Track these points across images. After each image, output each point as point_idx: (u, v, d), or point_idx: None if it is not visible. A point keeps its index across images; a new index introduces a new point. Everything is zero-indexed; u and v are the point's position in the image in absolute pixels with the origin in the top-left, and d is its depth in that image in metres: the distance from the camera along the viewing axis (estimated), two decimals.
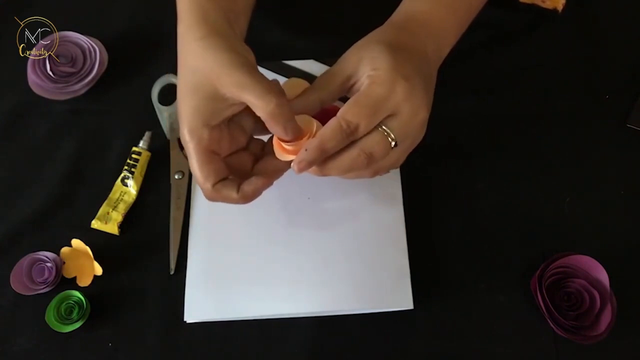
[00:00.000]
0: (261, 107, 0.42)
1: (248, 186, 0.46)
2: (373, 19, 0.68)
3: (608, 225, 0.56)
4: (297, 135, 0.45)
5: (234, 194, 0.45)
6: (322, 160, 0.45)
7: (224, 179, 0.46)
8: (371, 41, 0.47)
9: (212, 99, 0.44)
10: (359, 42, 0.48)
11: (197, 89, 0.44)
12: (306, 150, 0.43)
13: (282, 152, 0.47)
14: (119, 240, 0.57)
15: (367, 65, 0.45)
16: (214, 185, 0.45)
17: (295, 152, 0.46)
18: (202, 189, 0.46)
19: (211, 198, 0.46)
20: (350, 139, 0.44)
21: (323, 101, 0.47)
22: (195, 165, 0.45)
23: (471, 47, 0.63)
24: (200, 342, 0.53)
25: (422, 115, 0.45)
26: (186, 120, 0.45)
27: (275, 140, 0.47)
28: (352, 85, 0.47)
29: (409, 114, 0.45)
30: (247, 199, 0.46)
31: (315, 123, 0.47)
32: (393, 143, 0.45)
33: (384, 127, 0.44)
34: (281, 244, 0.55)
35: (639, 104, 0.61)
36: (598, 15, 0.66)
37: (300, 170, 0.44)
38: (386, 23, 0.50)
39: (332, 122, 0.44)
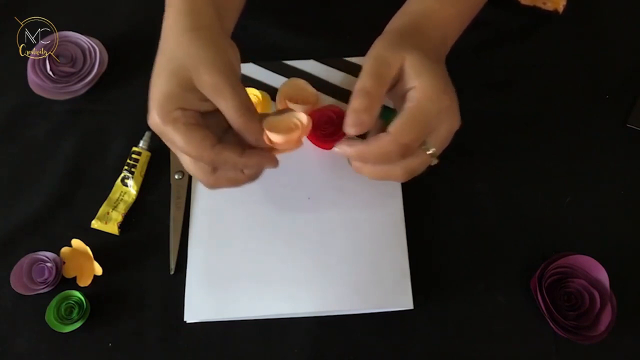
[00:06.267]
0: (231, 119, 0.42)
1: (255, 152, 0.44)
2: (373, 19, 0.68)
3: (608, 225, 0.56)
4: (265, 146, 0.45)
5: (237, 157, 0.43)
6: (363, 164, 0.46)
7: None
8: (406, 43, 0.46)
9: (187, 89, 0.43)
10: (392, 40, 0.47)
11: (174, 75, 0.43)
12: (349, 146, 0.44)
13: (269, 143, 0.46)
14: (119, 240, 0.57)
15: (412, 69, 0.44)
16: (214, 146, 0.42)
17: (284, 146, 0.46)
18: (200, 157, 0.43)
19: (212, 162, 0.43)
20: (396, 160, 0.44)
21: (380, 107, 0.45)
22: (182, 139, 0.42)
23: (471, 47, 0.63)
24: (200, 342, 0.53)
25: (456, 127, 0.46)
26: (158, 103, 0.43)
27: (264, 135, 0.46)
28: (393, 86, 0.46)
29: (448, 129, 0.45)
30: (252, 167, 0.45)
31: (305, 118, 0.46)
32: (435, 161, 0.45)
33: (426, 144, 0.44)
34: (281, 244, 0.55)
35: (639, 104, 0.61)
36: (598, 15, 0.66)
37: (334, 153, 0.45)
38: (405, 24, 0.49)
39: (384, 142, 0.43)
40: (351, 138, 0.45)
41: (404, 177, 0.45)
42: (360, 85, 0.44)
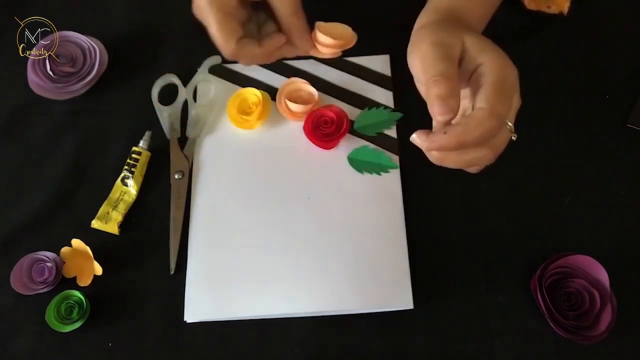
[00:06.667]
0: (284, 15, 0.48)
1: (270, 41, 0.49)
2: (373, 19, 0.68)
3: (608, 225, 0.56)
4: (307, 47, 0.51)
5: (257, 49, 0.49)
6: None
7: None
8: (457, 27, 0.46)
9: None
10: (440, 27, 0.46)
11: None
12: (445, 133, 0.41)
13: (317, 48, 0.52)
14: (119, 240, 0.57)
15: (473, 47, 0.44)
16: (238, 40, 0.48)
17: (326, 50, 0.51)
18: (223, 48, 0.48)
19: (234, 55, 0.49)
20: (495, 134, 0.42)
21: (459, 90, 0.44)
22: (215, 25, 0.47)
23: None
24: (200, 342, 0.53)
25: (520, 102, 0.45)
26: None
27: (313, 35, 0.51)
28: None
29: (517, 103, 0.44)
30: (267, 54, 0.50)
31: (350, 30, 0.52)
32: (514, 135, 0.44)
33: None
34: (281, 243, 0.55)
35: (639, 104, 0.61)
36: (598, 16, 0.66)
37: (429, 149, 0.43)
38: (439, 18, 0.49)
39: (482, 117, 0.41)
40: (421, 132, 0.43)
41: (492, 157, 0.44)
42: (435, 71, 0.43)
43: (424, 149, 0.43)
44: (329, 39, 0.51)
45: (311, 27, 0.51)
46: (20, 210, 0.59)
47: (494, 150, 0.43)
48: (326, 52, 0.52)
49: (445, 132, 0.41)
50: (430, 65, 0.43)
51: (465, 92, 0.45)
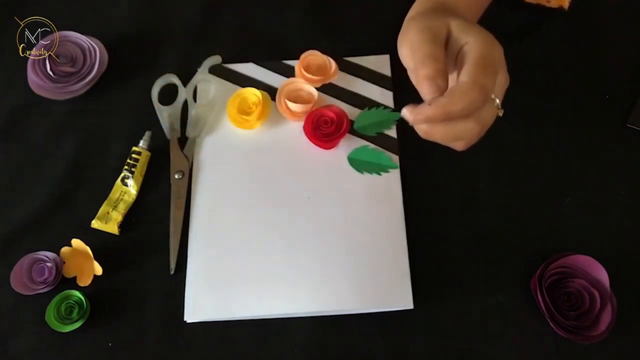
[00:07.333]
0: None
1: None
2: (373, 20, 0.68)
3: (608, 225, 0.56)
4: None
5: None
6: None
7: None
8: (444, 13, 0.47)
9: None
10: (428, 14, 0.48)
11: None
12: (429, 104, 0.42)
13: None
14: (119, 240, 0.57)
15: (459, 30, 0.45)
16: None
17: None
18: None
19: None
20: (480, 106, 0.42)
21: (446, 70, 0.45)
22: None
23: None
24: (200, 342, 0.53)
25: (508, 81, 0.45)
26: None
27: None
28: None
29: (504, 80, 0.45)
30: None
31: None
32: (501, 111, 0.45)
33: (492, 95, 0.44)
34: (281, 243, 0.55)
35: (639, 104, 0.61)
36: (598, 15, 0.66)
37: (415, 121, 0.43)
38: (430, 7, 0.50)
39: (466, 87, 0.41)
40: (410, 106, 0.43)
41: (479, 131, 0.44)
42: (423, 53, 0.43)
43: (411, 122, 0.43)
44: None
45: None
46: (20, 210, 0.59)
47: (481, 124, 0.43)
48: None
49: (430, 104, 0.42)
50: (418, 48, 0.44)
51: (453, 77, 0.46)
